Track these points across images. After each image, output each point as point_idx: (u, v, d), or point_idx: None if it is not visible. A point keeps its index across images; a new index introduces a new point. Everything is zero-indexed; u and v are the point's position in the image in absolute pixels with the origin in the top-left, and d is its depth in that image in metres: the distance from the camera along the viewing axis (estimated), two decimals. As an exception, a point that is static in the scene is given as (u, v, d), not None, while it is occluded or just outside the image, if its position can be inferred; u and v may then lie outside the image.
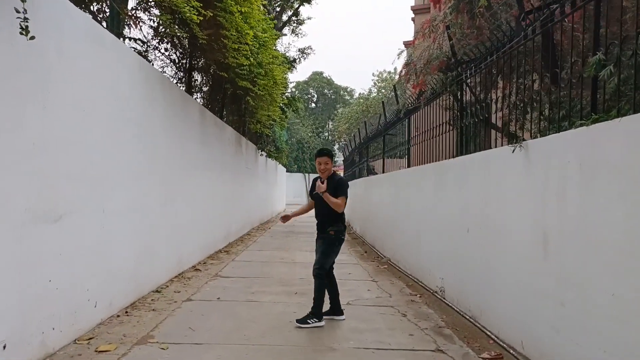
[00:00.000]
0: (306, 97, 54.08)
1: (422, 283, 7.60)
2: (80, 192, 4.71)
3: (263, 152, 18.86)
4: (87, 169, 4.84)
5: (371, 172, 15.25)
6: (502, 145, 5.04)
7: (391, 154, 11.51)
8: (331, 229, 5.64)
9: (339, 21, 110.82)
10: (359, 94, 51.74)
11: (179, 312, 5.86)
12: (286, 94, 19.03)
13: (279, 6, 20.29)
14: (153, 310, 5.88)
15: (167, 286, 7.20)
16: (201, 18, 6.65)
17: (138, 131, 6.22)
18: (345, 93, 58.65)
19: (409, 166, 9.28)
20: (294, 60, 21.86)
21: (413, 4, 24.25)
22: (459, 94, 6.53)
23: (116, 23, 6.90)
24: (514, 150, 4.45)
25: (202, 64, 10.04)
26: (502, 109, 5.34)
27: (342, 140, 48.55)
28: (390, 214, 10.34)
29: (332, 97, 57.95)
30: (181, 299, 6.49)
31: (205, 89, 11.41)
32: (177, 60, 9.53)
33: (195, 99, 9.98)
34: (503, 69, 5.43)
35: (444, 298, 6.52)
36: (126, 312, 5.69)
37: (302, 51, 22.50)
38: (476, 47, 6.00)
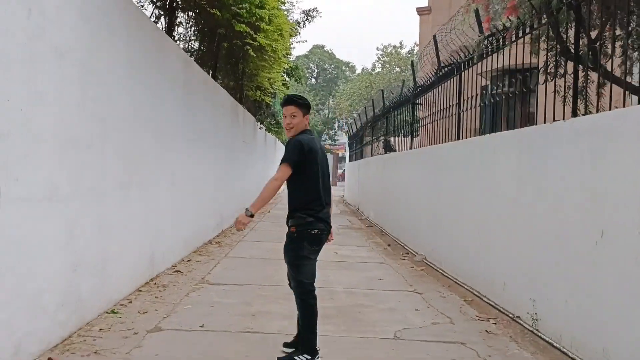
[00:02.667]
0: (307, 72, 51.49)
1: (488, 298, 5.46)
2: None
3: (262, 126, 16.58)
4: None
5: (390, 149, 13.04)
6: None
7: (421, 125, 9.28)
8: (291, 224, 3.67)
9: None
10: (362, 69, 49.31)
11: (136, 356, 3.69)
12: (289, 61, 16.69)
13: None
14: (95, 353, 3.70)
15: (130, 302, 5.02)
16: None
17: (78, 76, 3.98)
18: (347, 69, 56.03)
19: (457, 138, 7.07)
20: (298, 23, 19.39)
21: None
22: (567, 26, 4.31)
23: None
24: None
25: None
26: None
27: (344, 117, 46.29)
28: (425, 200, 8.15)
29: (334, 72, 55.34)
30: (146, 326, 4.32)
31: (193, 38, 9.08)
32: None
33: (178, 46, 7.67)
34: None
35: (538, 330, 4.38)
36: None
37: (307, 13, 20.02)
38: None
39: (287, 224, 3.73)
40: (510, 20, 4.60)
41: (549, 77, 4.55)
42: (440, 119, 7.89)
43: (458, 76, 7.01)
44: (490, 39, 5.29)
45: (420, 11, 25.78)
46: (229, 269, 6.87)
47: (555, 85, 4.74)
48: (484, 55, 5.78)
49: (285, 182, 3.68)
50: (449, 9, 20.60)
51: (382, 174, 12.41)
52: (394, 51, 44.44)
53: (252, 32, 7.86)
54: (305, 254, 3.65)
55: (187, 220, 7.59)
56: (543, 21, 4.62)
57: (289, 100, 3.84)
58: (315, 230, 3.65)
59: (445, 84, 7.74)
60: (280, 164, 3.59)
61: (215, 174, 9.76)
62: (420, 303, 5.50)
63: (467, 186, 6.26)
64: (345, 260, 7.92)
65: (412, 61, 10.22)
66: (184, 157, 7.34)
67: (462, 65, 6.82)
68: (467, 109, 6.70)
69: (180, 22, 8.13)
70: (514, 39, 4.91)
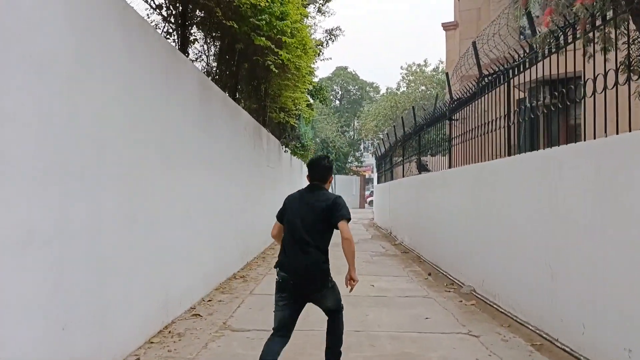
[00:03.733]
0: (331, 93, 51.05)
1: (561, 343, 4.54)
2: None
3: (287, 149, 15.91)
4: None
5: (424, 168, 12.20)
6: None
7: (466, 138, 8.44)
8: (330, 280, 3.70)
9: (360, 18, 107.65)
10: (386, 89, 48.62)
11: None
12: (313, 81, 16.06)
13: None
14: None
15: (138, 358, 4.27)
16: None
17: (64, 90, 3.33)
18: (371, 89, 55.48)
19: (508, 154, 6.21)
20: (321, 43, 18.82)
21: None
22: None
23: None
24: None
25: (202, 13, 6.98)
26: None
27: (370, 138, 45.52)
28: (471, 223, 7.28)
29: (358, 93, 54.82)
30: (153, 394, 3.56)
31: (211, 57, 8.46)
32: (165, 5, 6.55)
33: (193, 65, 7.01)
34: None
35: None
36: None
37: (330, 32, 19.45)
38: None
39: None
40: (586, 8, 3.77)
41: (632, 76, 3.69)
42: (483, 134, 7.05)
43: (506, 84, 6.19)
44: (556, 33, 4.45)
45: (446, 26, 25.04)
46: (254, 310, 6.09)
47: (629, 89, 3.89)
48: (544, 55, 4.94)
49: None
50: (477, 22, 19.88)
51: (417, 196, 11.55)
52: (418, 69, 43.72)
53: (273, 46, 7.19)
54: (275, 299, 3.69)
55: (207, 255, 6.87)
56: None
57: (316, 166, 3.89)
58: (277, 278, 3.70)
59: (489, 94, 6.93)
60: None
61: (237, 201, 9.06)
62: (480, 350, 4.62)
63: (526, 206, 5.39)
64: (384, 294, 7.06)
65: (446, 73, 9.45)
66: (202, 184, 6.65)
67: (512, 71, 6.00)
68: (517, 122, 5.86)
69: (196, 39, 7.52)
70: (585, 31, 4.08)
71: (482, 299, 6.55)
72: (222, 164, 7.80)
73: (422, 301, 6.68)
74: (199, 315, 5.75)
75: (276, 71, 8.00)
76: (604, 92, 4.09)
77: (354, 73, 55.36)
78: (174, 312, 5.49)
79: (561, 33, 4.42)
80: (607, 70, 4.14)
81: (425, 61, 44.79)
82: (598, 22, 4.26)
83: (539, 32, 4.79)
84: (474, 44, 7.34)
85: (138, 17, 4.55)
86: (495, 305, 6.14)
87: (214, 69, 8.91)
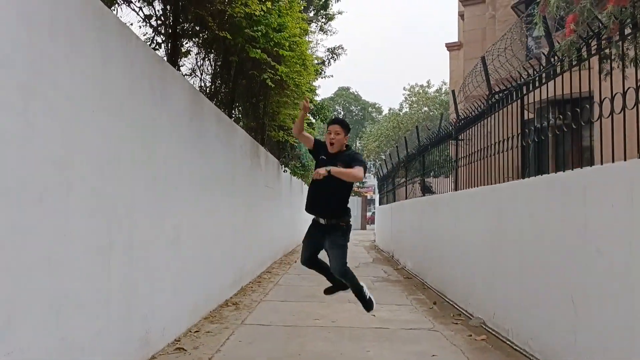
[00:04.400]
0: (333, 113, 50.81)
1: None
2: None
3: (287, 168, 15.48)
4: None
5: (428, 190, 11.73)
6: None
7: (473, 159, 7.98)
8: (342, 220, 4.82)
9: (362, 37, 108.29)
10: (389, 109, 48.40)
11: None
12: (314, 99, 15.70)
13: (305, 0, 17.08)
14: None
15: (107, 405, 3.77)
16: None
17: (13, 100, 2.89)
18: (374, 110, 55.31)
19: (522, 176, 5.74)
20: (323, 62, 18.54)
21: (460, -3, 20.89)
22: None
23: None
24: None
25: (192, 23, 6.55)
26: None
27: (372, 159, 45.15)
28: (480, 250, 6.79)
29: (360, 113, 54.63)
30: None
31: (206, 72, 8.05)
32: (155, 15, 6.14)
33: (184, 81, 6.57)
34: None
35: None
36: None
37: (331, 51, 19.18)
38: None
39: (331, 221, 4.78)
40: (614, 13, 3.33)
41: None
42: (494, 154, 6.60)
43: (519, 101, 5.76)
44: (585, 39, 4.00)
45: (450, 47, 24.85)
46: (244, 344, 5.57)
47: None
48: (565, 68, 4.50)
49: (327, 185, 4.53)
50: (482, 42, 19.61)
51: (422, 219, 11.06)
52: (421, 90, 43.55)
53: (269, 60, 6.79)
54: (347, 245, 4.93)
55: (195, 282, 6.37)
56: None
57: (336, 120, 4.85)
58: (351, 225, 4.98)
59: (499, 112, 6.50)
60: (361, 166, 4.54)
61: (232, 223, 8.58)
62: (495, 398, 4.10)
63: (543, 234, 4.90)
64: (386, 326, 6.55)
65: (452, 91, 9.05)
66: (192, 207, 6.20)
67: (526, 87, 5.57)
68: (531, 141, 5.41)
69: (188, 51, 7.13)
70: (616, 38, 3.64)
71: (494, 333, 6.03)
72: (216, 184, 7.35)
73: (427, 335, 6.16)
74: (182, 349, 5.23)
75: (273, 86, 7.57)
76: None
77: (356, 93, 55.29)
78: (156, 346, 4.98)
79: (592, 39, 3.97)
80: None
81: (428, 82, 44.60)
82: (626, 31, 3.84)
83: (559, 43, 4.36)
84: (483, 59, 6.94)
85: (117, 21, 4.14)
86: (508, 342, 5.61)
87: (209, 84, 8.51)
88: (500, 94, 6.22)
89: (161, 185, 5.12)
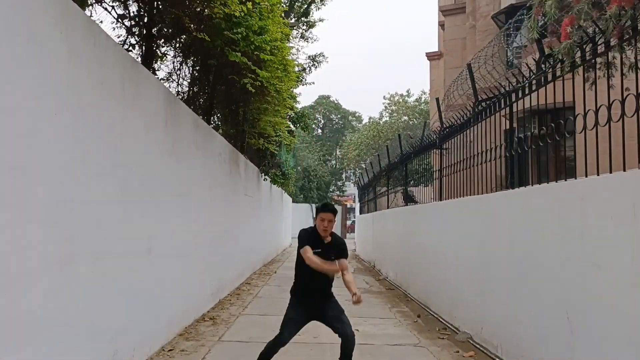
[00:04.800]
0: (313, 122, 50.60)
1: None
2: None
3: (267, 177, 15.17)
4: None
5: (410, 199, 11.54)
6: None
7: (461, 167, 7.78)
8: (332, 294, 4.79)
9: (342, 46, 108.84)
10: (369, 118, 48.41)
11: None
12: (295, 106, 15.46)
13: (286, 5, 16.86)
14: None
15: None
16: None
17: None
18: (354, 118, 55.30)
19: (511, 186, 5.54)
20: (304, 69, 18.32)
21: (442, 4, 20.90)
22: None
23: None
24: None
25: (169, 24, 6.22)
26: None
27: (352, 168, 45.03)
28: (467, 260, 6.58)
29: (340, 122, 54.56)
30: None
31: (183, 77, 7.73)
32: (128, 16, 5.82)
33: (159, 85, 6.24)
34: None
35: None
36: None
37: (312, 58, 18.97)
38: None
39: (329, 295, 4.75)
40: (625, 10, 3.14)
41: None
42: (480, 163, 6.41)
43: (508, 108, 5.58)
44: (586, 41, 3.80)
45: (431, 56, 24.85)
46: (222, 363, 5.25)
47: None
48: (558, 74, 4.32)
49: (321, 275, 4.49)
50: (462, 52, 19.61)
51: (404, 229, 10.85)
52: (401, 99, 43.65)
53: (250, 64, 6.51)
54: None
55: (171, 296, 6.03)
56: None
57: (329, 209, 4.59)
58: None
59: (486, 121, 6.32)
60: (346, 257, 4.69)
61: (211, 233, 8.25)
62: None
63: (537, 246, 4.70)
64: (370, 342, 6.28)
65: (437, 99, 8.88)
66: (168, 215, 5.87)
67: (515, 94, 5.39)
68: (522, 149, 5.23)
69: (165, 54, 6.81)
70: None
71: (482, 350, 5.80)
72: (193, 192, 7.03)
73: (413, 351, 5.91)
74: (155, 370, 4.90)
75: (253, 91, 7.28)
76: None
77: (336, 102, 55.22)
78: (124, 369, 4.63)
79: (586, 44, 3.78)
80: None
81: (408, 91, 44.80)
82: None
83: (551, 49, 4.18)
84: (469, 66, 6.76)
85: (84, 19, 3.84)
86: (497, 359, 5.39)
87: (187, 89, 8.19)
88: (488, 102, 6.04)
89: (134, 192, 4.80)
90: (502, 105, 5.75)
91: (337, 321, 4.59)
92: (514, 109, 5.60)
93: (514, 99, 5.49)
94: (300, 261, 4.53)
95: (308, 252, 4.38)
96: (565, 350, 4.12)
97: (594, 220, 3.79)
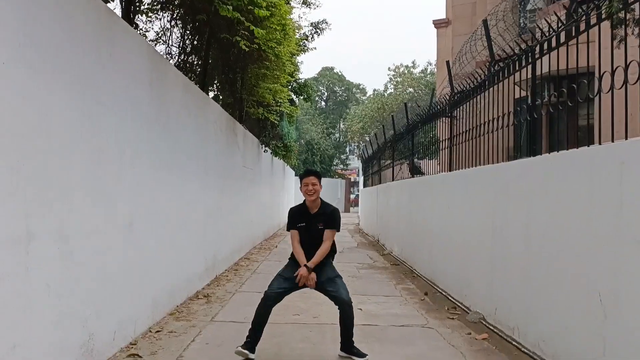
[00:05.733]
0: (316, 94, 49.73)
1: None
2: None
3: (267, 148, 14.64)
4: None
5: (417, 171, 11.00)
6: None
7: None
8: (331, 260, 4.73)
9: (348, 16, 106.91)
10: (373, 90, 47.54)
11: None
12: (296, 73, 14.84)
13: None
14: None
15: None
16: None
17: None
18: (358, 91, 54.36)
19: (532, 153, 5.00)
20: (306, 37, 17.58)
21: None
22: None
23: None
24: None
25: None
26: None
27: (356, 141, 44.36)
28: (478, 235, 6.07)
29: (344, 94, 53.65)
30: None
31: (174, 39, 7.13)
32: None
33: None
34: None
35: None
36: None
37: (315, 26, 18.23)
38: None
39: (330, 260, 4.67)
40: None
41: None
42: (497, 129, 5.85)
43: (530, 67, 4.99)
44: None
45: (438, 24, 23.96)
46: (212, 346, 4.79)
47: None
48: (591, 23, 3.75)
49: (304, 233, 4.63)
50: (472, 18, 18.79)
51: (410, 202, 10.33)
52: (406, 71, 42.71)
53: (243, 19, 5.90)
54: None
55: (157, 274, 5.56)
56: None
57: (310, 172, 4.62)
58: None
59: (503, 83, 5.73)
60: (335, 230, 4.61)
61: (205, 206, 7.77)
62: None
63: (560, 219, 4.18)
64: (375, 322, 5.82)
65: (447, 61, 8.27)
66: (154, 187, 5.37)
67: (541, 47, 4.78)
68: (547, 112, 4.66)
69: (151, 9, 6.20)
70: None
71: (496, 332, 5.33)
72: (183, 162, 6.51)
73: (421, 333, 5.45)
74: (137, 355, 4.44)
75: (247, 50, 6.66)
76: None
77: (340, 74, 54.23)
78: (103, 354, 4.18)
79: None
80: None
81: (413, 62, 43.89)
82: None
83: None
84: (484, 22, 6.14)
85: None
86: (514, 342, 4.91)
87: (178, 53, 7.61)
88: (507, 60, 5.44)
89: (110, 162, 4.28)
90: (524, 64, 5.15)
91: (330, 284, 4.47)
92: (537, 68, 5.00)
93: (537, 55, 4.88)
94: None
95: (294, 240, 4.63)
96: (597, 338, 3.63)
97: (636, 188, 3.25)
